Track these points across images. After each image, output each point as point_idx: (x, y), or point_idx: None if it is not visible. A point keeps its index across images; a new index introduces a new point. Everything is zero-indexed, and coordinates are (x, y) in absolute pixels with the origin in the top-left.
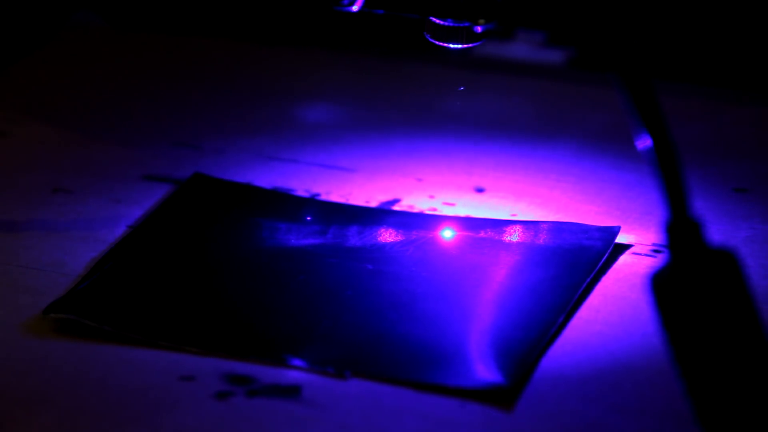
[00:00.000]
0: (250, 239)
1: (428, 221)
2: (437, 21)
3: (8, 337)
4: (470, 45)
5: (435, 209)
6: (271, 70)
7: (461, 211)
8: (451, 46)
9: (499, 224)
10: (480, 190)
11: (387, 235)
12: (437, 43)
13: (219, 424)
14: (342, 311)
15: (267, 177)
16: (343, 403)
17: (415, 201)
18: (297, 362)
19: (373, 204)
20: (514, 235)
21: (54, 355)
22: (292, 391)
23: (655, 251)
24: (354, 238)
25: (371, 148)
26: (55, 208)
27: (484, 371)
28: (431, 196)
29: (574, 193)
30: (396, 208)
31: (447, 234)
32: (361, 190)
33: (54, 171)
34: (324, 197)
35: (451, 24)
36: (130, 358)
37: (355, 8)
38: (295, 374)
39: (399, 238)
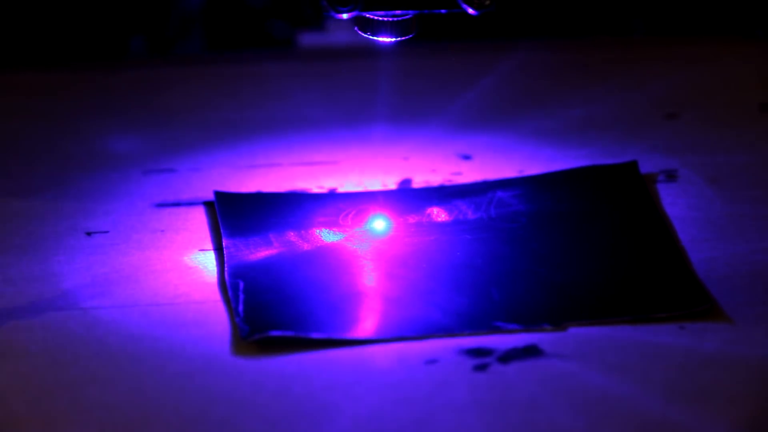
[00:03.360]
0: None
1: (479, 187)
2: (368, 15)
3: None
4: (401, 38)
5: (450, 180)
6: (198, 87)
7: (470, 177)
8: (381, 39)
9: (532, 180)
10: (467, 157)
11: (462, 207)
12: (367, 36)
13: (497, 388)
14: (495, 276)
15: (264, 183)
16: (581, 348)
17: (427, 176)
18: (512, 326)
19: (392, 186)
20: (569, 184)
21: (280, 370)
22: (533, 351)
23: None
24: (427, 217)
25: (333, 140)
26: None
27: (689, 293)
28: (433, 170)
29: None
30: (416, 185)
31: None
32: (363, 177)
33: (83, 217)
34: (342, 189)
35: (382, 18)
36: (357, 355)
37: (345, 16)
38: (520, 337)
39: (471, 207)
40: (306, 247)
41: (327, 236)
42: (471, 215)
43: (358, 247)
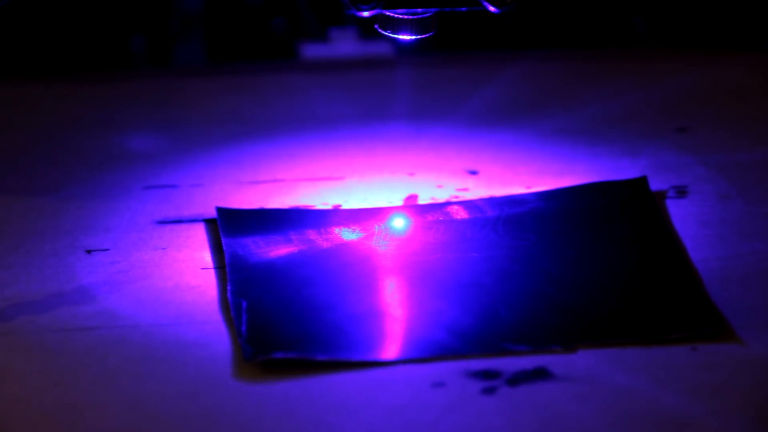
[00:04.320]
0: (350, 254)
1: (481, 204)
2: (389, 13)
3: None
4: (421, 36)
5: (458, 196)
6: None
7: (478, 193)
8: (401, 37)
9: (553, 194)
10: (473, 173)
11: (459, 225)
12: (387, 34)
13: (506, 411)
14: (503, 296)
15: (266, 199)
16: (591, 370)
17: (433, 192)
18: (520, 347)
19: (397, 203)
20: (572, 202)
21: (284, 392)
22: (541, 373)
23: (680, 192)
24: (426, 235)
25: (337, 155)
26: (89, 267)
27: (701, 314)
28: (439, 185)
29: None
30: (420, 202)
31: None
32: (367, 193)
33: (83, 233)
34: (347, 206)
35: (402, 16)
36: (363, 378)
37: (366, 14)
38: (528, 359)
39: (469, 225)
40: (310, 265)
41: (333, 254)
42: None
43: (366, 266)
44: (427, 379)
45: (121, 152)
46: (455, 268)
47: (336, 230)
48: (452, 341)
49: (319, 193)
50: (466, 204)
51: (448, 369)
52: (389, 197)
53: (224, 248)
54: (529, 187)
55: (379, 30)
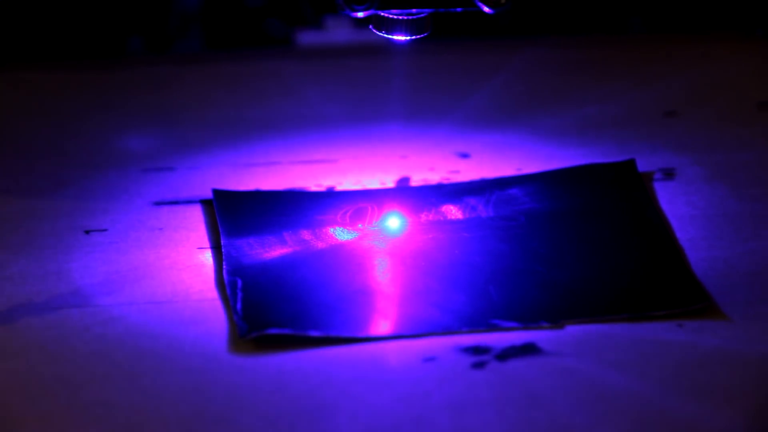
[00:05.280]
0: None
1: (473, 185)
2: (383, 13)
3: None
4: (417, 36)
5: (448, 178)
6: (192, 88)
7: (467, 176)
8: (396, 38)
9: (531, 178)
10: (464, 156)
11: (451, 207)
12: (382, 35)
13: (495, 386)
14: (493, 274)
15: (262, 181)
16: (579, 346)
17: (425, 175)
18: (509, 324)
19: (390, 184)
20: (561, 185)
21: (278, 367)
22: (531, 349)
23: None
24: (425, 215)
25: (331, 139)
26: (89, 247)
27: (687, 291)
28: (431, 168)
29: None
30: (414, 184)
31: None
32: (361, 176)
33: (83, 215)
34: (341, 188)
35: (397, 16)
36: (355, 353)
37: (361, 15)
38: (518, 335)
39: (462, 206)
40: (304, 244)
41: (327, 235)
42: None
43: (358, 246)
44: (419, 354)
45: (119, 137)
46: (446, 247)
47: (330, 230)
48: (443, 318)
49: (314, 175)
50: (457, 186)
51: (440, 345)
52: (382, 179)
53: (220, 229)
54: (519, 170)
55: (374, 31)
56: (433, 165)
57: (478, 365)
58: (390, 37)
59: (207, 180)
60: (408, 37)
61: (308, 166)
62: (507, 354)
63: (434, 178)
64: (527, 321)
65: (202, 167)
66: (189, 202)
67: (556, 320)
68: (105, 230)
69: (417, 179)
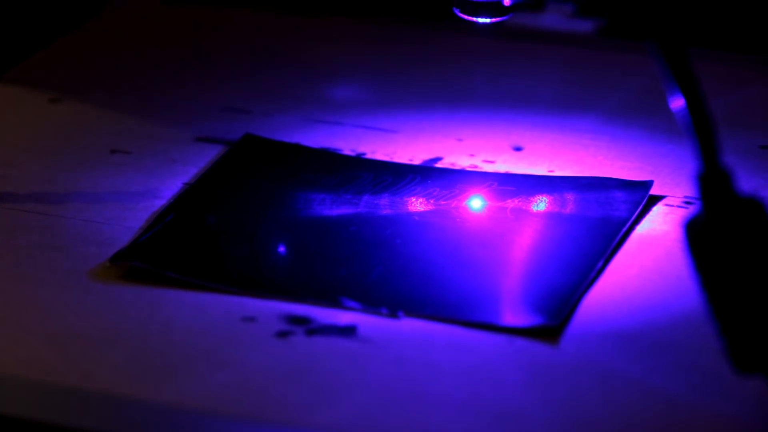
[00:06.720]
0: (302, 194)
1: (469, 177)
2: None
3: (77, 283)
4: (498, 19)
5: (476, 166)
6: (314, 40)
7: (500, 167)
8: (479, 20)
9: (538, 180)
10: (518, 149)
11: (431, 191)
12: (465, 17)
13: (281, 360)
14: (393, 257)
15: (314, 138)
16: (398, 341)
17: (457, 159)
18: (351, 303)
19: (416, 162)
20: (553, 190)
21: (121, 300)
22: (348, 331)
23: (687, 203)
24: (402, 192)
25: (412, 111)
26: (113, 167)
27: (532, 311)
28: (471, 155)
29: (608, 152)
30: (438, 165)
31: (486, 190)
32: (405, 150)
33: (110, 134)
34: (369, 156)
35: None
36: (194, 301)
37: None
38: (350, 315)
39: (444, 192)
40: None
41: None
42: (438, 197)
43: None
44: (243, 311)
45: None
46: (381, 223)
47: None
48: (307, 284)
49: (359, 140)
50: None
51: (269, 308)
52: (413, 155)
53: (212, 168)
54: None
55: (458, 13)
56: (486, 152)
57: (281, 334)
58: (473, 19)
59: (268, 126)
60: (490, 20)
61: (366, 131)
62: (320, 330)
63: (464, 163)
64: (371, 305)
65: (275, 115)
66: (229, 143)
67: (395, 310)
68: (130, 153)
69: (447, 162)
